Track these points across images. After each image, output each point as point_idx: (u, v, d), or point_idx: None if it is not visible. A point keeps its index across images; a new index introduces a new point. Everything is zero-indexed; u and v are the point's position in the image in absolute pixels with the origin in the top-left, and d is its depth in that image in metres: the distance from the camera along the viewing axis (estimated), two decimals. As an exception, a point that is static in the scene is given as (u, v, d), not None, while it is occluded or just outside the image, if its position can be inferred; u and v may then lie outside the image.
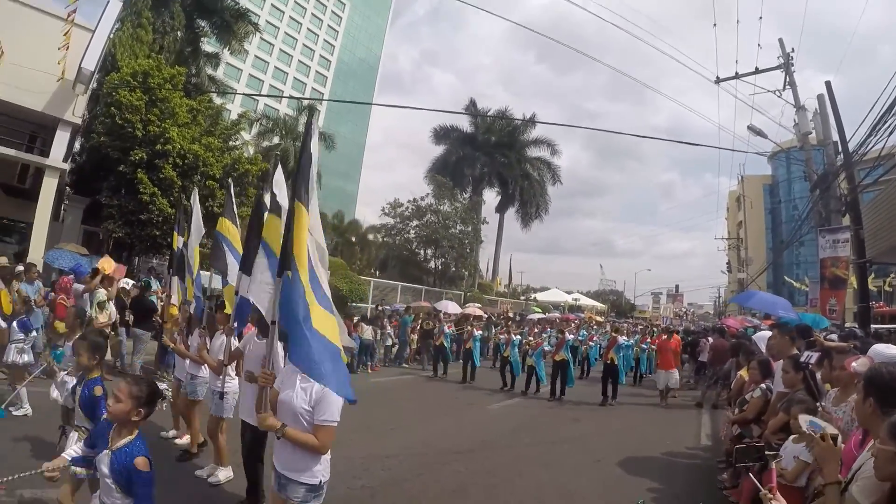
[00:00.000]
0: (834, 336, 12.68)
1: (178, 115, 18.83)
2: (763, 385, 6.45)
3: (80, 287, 12.32)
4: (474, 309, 28.02)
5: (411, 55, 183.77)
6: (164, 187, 17.89)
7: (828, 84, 18.61)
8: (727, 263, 68.17)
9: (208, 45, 32.16)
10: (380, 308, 24.72)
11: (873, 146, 15.14)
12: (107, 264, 12.82)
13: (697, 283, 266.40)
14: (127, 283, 13.75)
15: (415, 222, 39.37)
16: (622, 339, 17.50)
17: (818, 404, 4.77)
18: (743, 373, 7.69)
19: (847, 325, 19.98)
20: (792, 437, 4.66)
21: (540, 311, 40.72)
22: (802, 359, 6.08)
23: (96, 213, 19.02)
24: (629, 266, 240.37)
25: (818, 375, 5.75)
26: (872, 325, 19.19)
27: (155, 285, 15.10)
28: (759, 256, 57.51)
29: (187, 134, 18.81)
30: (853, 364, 4.35)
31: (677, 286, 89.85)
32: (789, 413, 4.90)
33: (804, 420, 4.15)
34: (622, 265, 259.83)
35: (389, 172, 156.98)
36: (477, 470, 7.91)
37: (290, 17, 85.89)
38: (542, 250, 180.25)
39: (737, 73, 22.08)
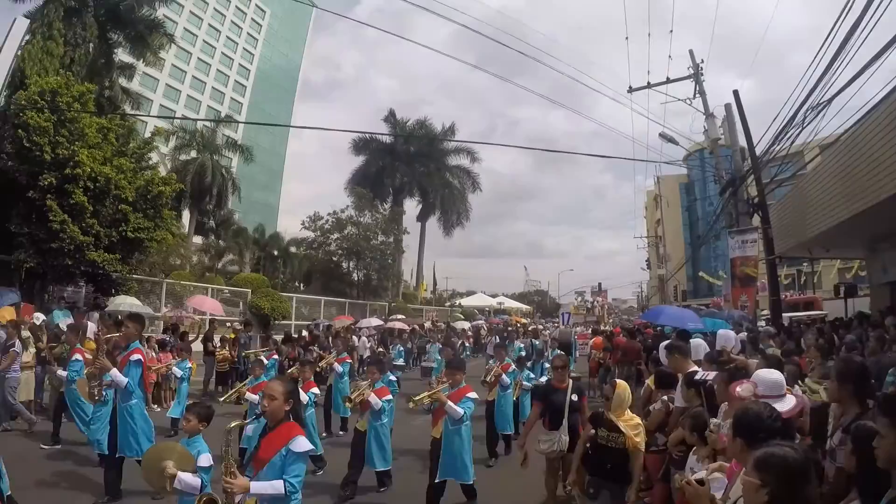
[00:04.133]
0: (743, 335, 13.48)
1: (87, 136, 18.23)
2: (664, 397, 6.68)
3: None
4: (397, 322, 28.11)
5: (337, 61, 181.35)
6: (75, 213, 17.30)
7: (735, 93, 19.56)
8: (646, 261, 70.20)
9: (123, 55, 31.38)
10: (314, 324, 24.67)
11: (777, 153, 16.06)
12: (6, 314, 12.67)
13: (622, 280, 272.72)
14: (38, 319, 13.38)
15: (336, 235, 39.17)
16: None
17: (711, 420, 5.03)
18: (650, 381, 7.92)
19: (763, 312, 21.05)
20: (693, 450, 5.01)
21: (463, 317, 41.08)
22: (699, 376, 6.34)
23: (6, 242, 18.26)
24: (560, 266, 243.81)
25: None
26: (786, 314, 20.38)
27: (63, 317, 14.71)
28: (677, 252, 59.45)
29: (98, 155, 18.15)
30: (737, 389, 4.56)
31: (600, 284, 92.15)
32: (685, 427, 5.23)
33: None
34: (553, 266, 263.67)
35: (315, 180, 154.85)
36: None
37: (209, 24, 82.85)
38: (474, 255, 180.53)
39: (649, 83, 22.77)
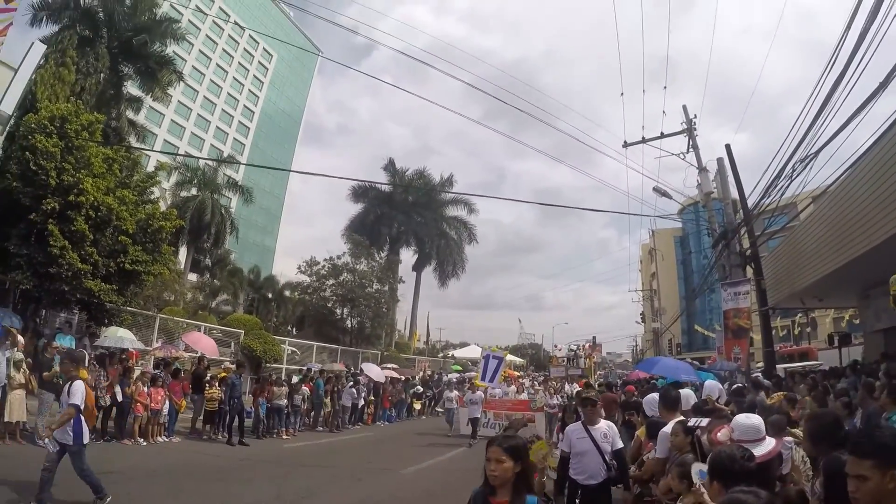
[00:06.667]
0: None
1: (93, 165, 18.34)
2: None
3: None
4: (391, 371, 28.08)
5: (341, 107, 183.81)
6: (76, 240, 17.32)
7: (727, 147, 19.91)
8: (641, 314, 70.15)
9: (132, 88, 31.90)
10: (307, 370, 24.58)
11: (768, 205, 16.31)
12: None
13: (617, 334, 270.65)
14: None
15: (331, 281, 39.22)
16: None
17: (696, 465, 5.06)
18: (640, 432, 7.91)
19: (757, 364, 21.12)
20: (680, 498, 5.03)
21: (460, 368, 40.76)
22: (691, 423, 6.35)
23: (3, 262, 18.16)
24: (559, 319, 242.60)
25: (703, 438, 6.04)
26: (781, 365, 20.91)
27: (68, 343, 14.81)
28: (672, 305, 59.53)
29: (101, 184, 18.26)
30: (718, 435, 4.68)
31: (594, 337, 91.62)
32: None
33: (695, 469, 4.50)
34: (552, 318, 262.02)
35: (313, 223, 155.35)
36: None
37: (217, 65, 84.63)
38: (470, 306, 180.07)
39: (643, 138, 23.06)
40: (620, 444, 6.52)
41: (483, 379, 18.95)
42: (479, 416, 18.46)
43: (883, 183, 9.93)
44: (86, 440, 7.64)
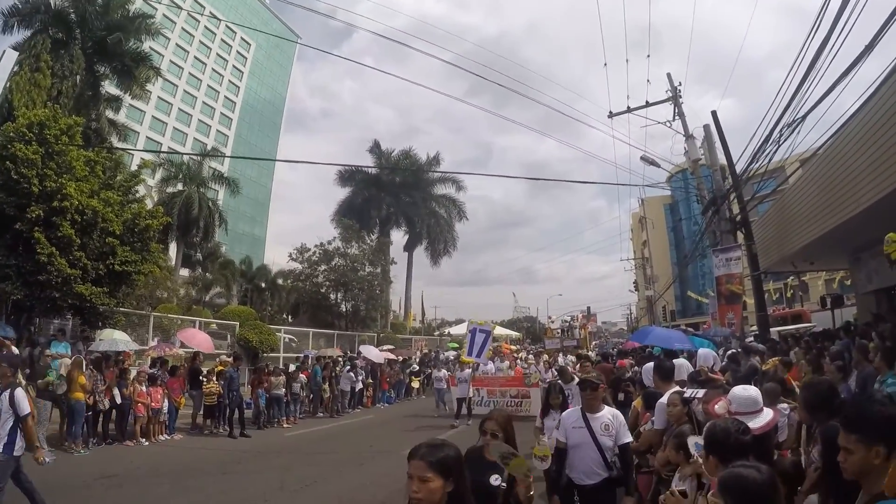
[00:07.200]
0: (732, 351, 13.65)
1: (75, 169, 18.14)
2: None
3: None
4: (388, 353, 28.15)
5: (324, 92, 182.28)
6: (63, 246, 17.17)
7: (714, 113, 19.86)
8: (634, 283, 70.49)
9: (110, 87, 31.69)
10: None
11: (757, 170, 16.31)
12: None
13: (611, 303, 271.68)
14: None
15: (323, 267, 39.17)
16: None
17: (692, 438, 5.05)
18: (637, 403, 7.92)
19: (752, 327, 21.23)
20: (678, 468, 5.04)
21: (457, 345, 40.83)
22: (688, 394, 6.33)
23: (-8, 273, 18.06)
24: (552, 291, 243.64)
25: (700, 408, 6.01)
26: (774, 328, 20.91)
27: (63, 349, 14.83)
28: (664, 273, 59.77)
29: (85, 188, 18.04)
30: (715, 407, 4.65)
31: (589, 308, 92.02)
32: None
33: (691, 441, 4.49)
34: (545, 291, 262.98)
35: (302, 210, 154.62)
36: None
37: (195, 56, 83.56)
38: (464, 283, 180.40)
39: (629, 108, 23.02)
40: (628, 438, 5.57)
41: (470, 354, 18.42)
42: (465, 394, 18.39)
43: (870, 146, 9.90)
44: (17, 452, 7.12)
